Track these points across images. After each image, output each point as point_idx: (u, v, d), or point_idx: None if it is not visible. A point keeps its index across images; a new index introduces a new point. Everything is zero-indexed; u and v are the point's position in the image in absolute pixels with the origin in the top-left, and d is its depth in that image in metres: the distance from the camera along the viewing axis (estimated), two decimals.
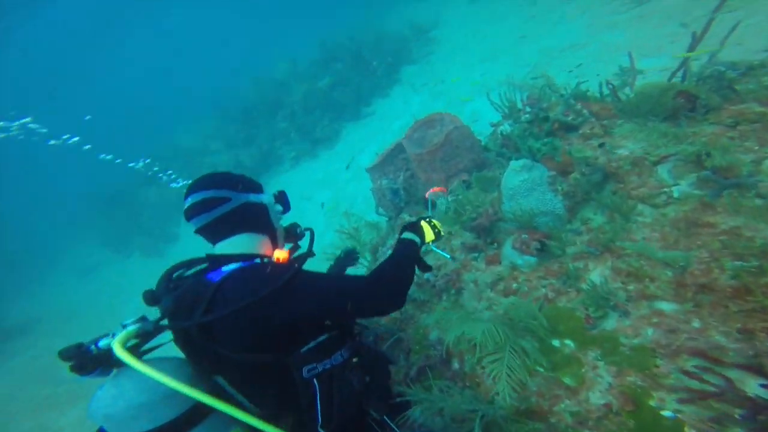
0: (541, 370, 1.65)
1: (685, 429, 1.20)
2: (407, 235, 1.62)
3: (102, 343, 1.08)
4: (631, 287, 1.65)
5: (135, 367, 1.01)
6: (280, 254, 1.37)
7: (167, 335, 1.21)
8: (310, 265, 1.69)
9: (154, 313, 1.25)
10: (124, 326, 1.13)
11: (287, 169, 11.00)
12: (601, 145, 2.46)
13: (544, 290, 2.01)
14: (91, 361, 1.07)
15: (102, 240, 14.04)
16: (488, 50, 9.15)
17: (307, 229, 1.67)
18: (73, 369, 1.07)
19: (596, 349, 1.57)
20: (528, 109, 3.09)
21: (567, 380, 1.56)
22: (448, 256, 1.92)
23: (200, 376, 1.22)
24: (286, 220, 1.65)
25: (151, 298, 1.27)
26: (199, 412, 1.11)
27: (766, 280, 1.27)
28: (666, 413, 1.26)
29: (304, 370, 1.24)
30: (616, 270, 1.77)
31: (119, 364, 1.06)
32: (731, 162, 1.74)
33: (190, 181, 1.43)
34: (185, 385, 1.03)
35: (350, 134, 10.32)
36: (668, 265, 1.57)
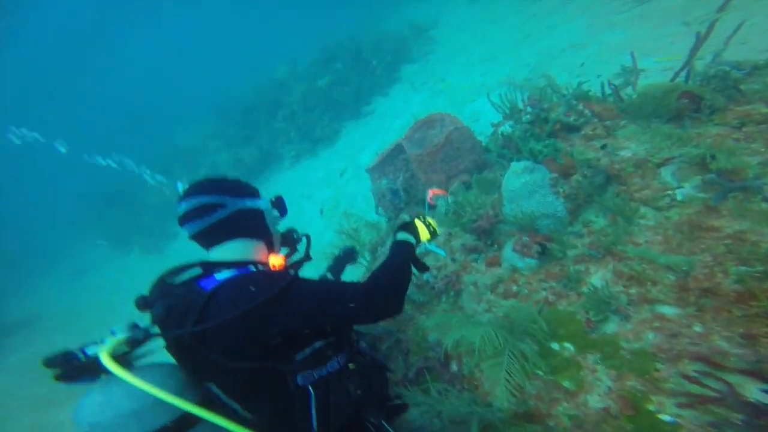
0: (541, 373, 1.64)
1: None
2: (402, 236, 1.60)
3: (90, 351, 1.07)
4: (632, 291, 1.64)
5: (123, 378, 1.00)
6: (276, 260, 1.36)
7: (160, 341, 1.20)
8: (309, 267, 1.68)
9: (145, 318, 1.24)
10: (113, 333, 1.12)
11: (287, 167, 11.01)
12: (603, 147, 2.44)
13: (544, 293, 2.00)
14: (78, 369, 1.05)
15: (102, 237, 14.05)
16: (488, 50, 9.13)
17: (304, 234, 1.66)
18: (58, 378, 1.05)
19: (596, 353, 1.56)
20: (529, 110, 3.08)
21: (566, 384, 1.55)
22: (443, 253, 1.91)
23: (192, 383, 1.21)
24: (283, 225, 1.64)
25: (143, 303, 1.25)
26: (190, 419, 1.09)
27: None
28: (665, 417, 1.26)
29: (299, 377, 1.23)
30: (617, 273, 1.76)
31: (107, 371, 1.05)
32: (737, 164, 1.73)
33: (174, 181, 1.42)
34: (174, 396, 1.03)
35: (350, 133, 10.31)
36: (671, 269, 1.55)
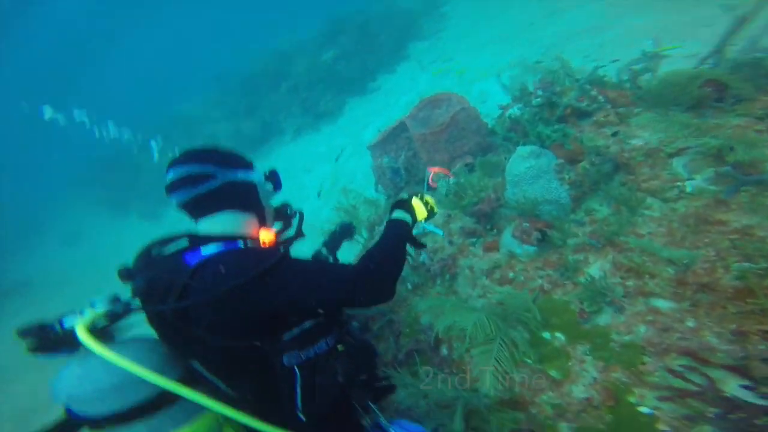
0: (529, 361, 1.65)
1: (659, 425, 1.21)
2: (398, 214, 1.56)
3: (67, 323, 1.05)
4: (629, 283, 1.63)
5: (100, 353, 0.97)
6: (267, 236, 1.32)
7: (142, 315, 1.19)
8: (305, 243, 1.66)
9: (128, 290, 1.22)
10: (93, 305, 1.09)
11: (288, 141, 10.89)
12: (614, 134, 2.38)
13: (540, 281, 1.99)
14: (54, 341, 1.03)
15: (99, 202, 14.08)
16: (503, 29, 8.83)
17: (298, 210, 1.62)
18: (33, 349, 1.03)
19: (586, 344, 1.56)
20: (540, 93, 2.99)
21: (553, 373, 1.56)
22: (441, 233, 1.87)
23: (174, 359, 1.20)
24: (280, 199, 1.61)
25: (126, 274, 1.22)
26: (171, 395, 1.08)
27: None
28: (643, 409, 1.28)
29: (285, 357, 1.21)
30: (616, 264, 1.74)
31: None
32: (756, 157, 1.67)
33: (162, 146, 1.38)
34: (151, 372, 1.01)
35: (354, 109, 10.14)
36: (672, 263, 1.53)
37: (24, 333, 1.04)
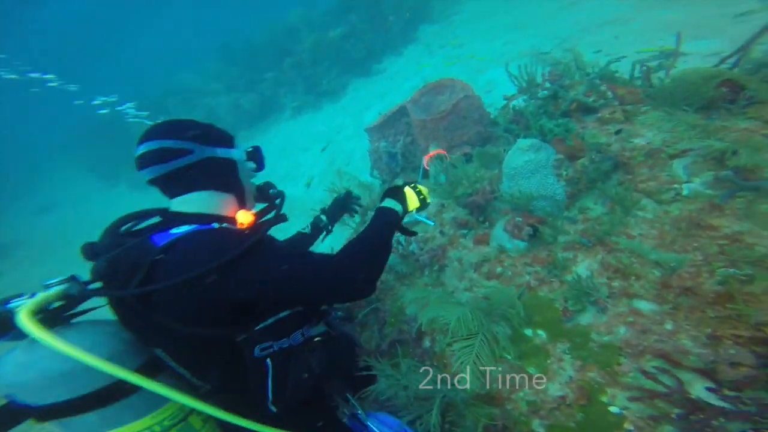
0: (509, 357, 1.69)
1: (626, 425, 1.25)
2: (389, 203, 1.52)
3: (13, 306, 0.96)
4: (615, 284, 1.65)
5: (40, 338, 0.88)
6: (245, 217, 1.27)
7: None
8: (300, 217, 1.64)
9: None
10: (46, 286, 1.01)
11: (287, 118, 10.87)
12: (617, 132, 2.37)
13: (528, 277, 2.01)
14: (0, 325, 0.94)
15: (89, 169, 14.07)
16: (519, 17, 8.70)
17: (280, 191, 1.56)
18: None
19: (566, 343, 1.59)
20: (548, 85, 2.97)
21: (531, 370, 1.59)
22: (432, 223, 1.89)
23: (137, 345, 1.13)
24: (277, 178, 1.59)
25: (90, 252, 1.14)
26: (130, 384, 1.00)
27: (752, 288, 1.26)
28: (613, 409, 1.32)
29: (257, 348, 1.18)
30: (604, 265, 1.76)
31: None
32: (757, 163, 1.67)
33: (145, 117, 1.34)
34: (103, 361, 0.92)
35: (357, 90, 10.08)
36: (659, 265, 1.55)
37: None
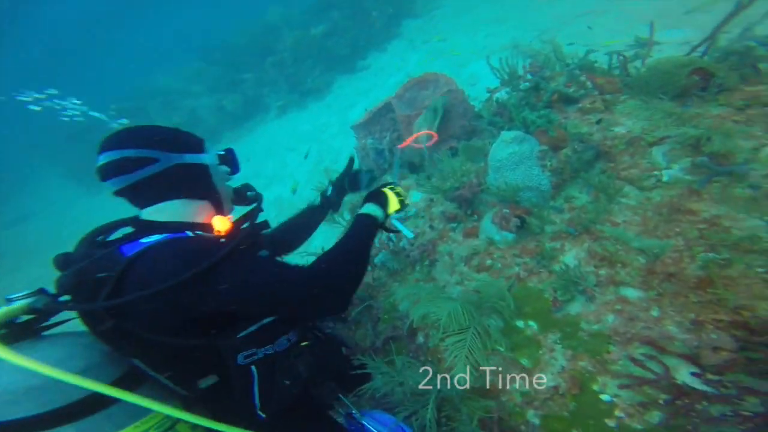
0: (501, 350, 1.70)
1: (616, 412, 1.28)
2: (368, 208, 1.45)
3: None
4: (602, 272, 1.67)
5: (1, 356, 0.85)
6: (222, 224, 1.20)
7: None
8: (307, 189, 1.58)
9: None
10: (10, 300, 0.98)
11: (273, 118, 10.74)
12: (598, 122, 2.40)
13: (517, 269, 2.03)
14: None
15: (68, 175, 13.61)
16: (498, 10, 8.74)
17: (257, 194, 1.47)
18: None
19: (557, 333, 1.61)
20: (529, 77, 2.98)
21: (524, 361, 1.61)
22: (411, 235, 1.77)
23: (114, 356, 1.09)
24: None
25: (63, 263, 1.10)
26: (105, 397, 0.97)
27: (729, 272, 1.29)
28: (604, 397, 1.34)
29: (240, 356, 1.14)
30: (591, 253, 1.78)
31: None
32: (730, 148, 1.71)
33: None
34: (71, 374, 0.89)
35: (342, 87, 10.02)
36: (643, 252, 1.58)
37: None
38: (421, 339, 2.13)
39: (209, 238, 1.16)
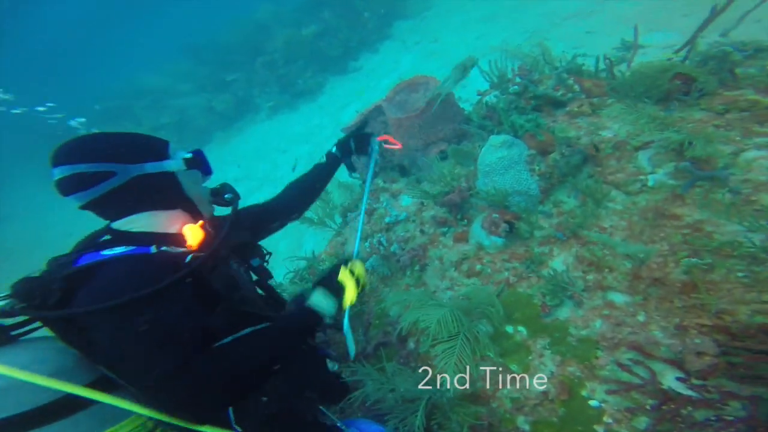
0: (491, 355, 1.71)
1: (605, 417, 1.30)
2: (317, 300, 1.21)
3: None
4: (590, 277, 1.69)
5: None
6: (194, 236, 1.12)
7: None
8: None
9: None
10: None
11: (263, 119, 10.66)
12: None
13: (506, 274, 2.04)
14: None
15: (46, 175, 13.30)
16: (489, 10, 8.80)
17: (233, 197, 1.34)
18: None
19: (546, 338, 1.62)
20: (518, 80, 3.00)
21: (513, 367, 1.62)
22: (352, 352, 1.42)
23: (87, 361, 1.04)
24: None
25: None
26: (80, 399, 0.94)
27: (712, 277, 1.31)
28: (593, 403, 1.36)
29: None
30: (579, 258, 1.81)
31: None
32: (711, 153, 1.75)
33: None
34: (42, 376, 0.87)
35: (334, 89, 9.99)
36: (629, 257, 1.60)
37: None
38: (411, 345, 2.13)
39: (169, 258, 1.06)
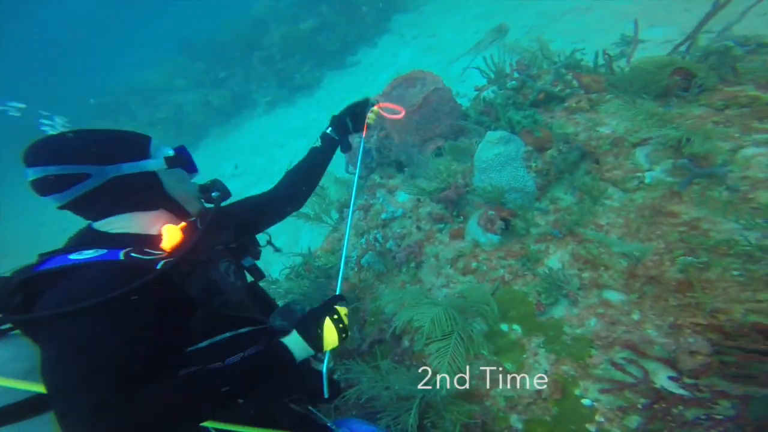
0: (485, 353, 1.70)
1: (597, 416, 1.30)
2: (293, 341, 1.11)
3: None
4: (585, 275, 1.68)
5: None
6: (170, 238, 1.06)
7: None
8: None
9: None
10: None
11: (261, 114, 10.61)
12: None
13: (502, 271, 2.03)
14: None
15: None
16: (488, 5, 8.73)
17: (220, 195, 1.25)
18: None
19: (541, 336, 1.62)
20: (516, 75, 2.97)
21: (507, 365, 1.62)
22: (326, 394, 1.29)
23: None
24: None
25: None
26: None
27: (708, 275, 1.30)
28: (585, 402, 1.36)
29: (183, 372, 1.02)
30: (575, 256, 1.79)
31: None
32: (709, 150, 1.73)
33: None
34: (9, 379, 0.85)
35: (332, 83, 9.93)
36: (625, 255, 1.59)
37: None
38: (406, 343, 2.13)
39: (137, 266, 0.99)
